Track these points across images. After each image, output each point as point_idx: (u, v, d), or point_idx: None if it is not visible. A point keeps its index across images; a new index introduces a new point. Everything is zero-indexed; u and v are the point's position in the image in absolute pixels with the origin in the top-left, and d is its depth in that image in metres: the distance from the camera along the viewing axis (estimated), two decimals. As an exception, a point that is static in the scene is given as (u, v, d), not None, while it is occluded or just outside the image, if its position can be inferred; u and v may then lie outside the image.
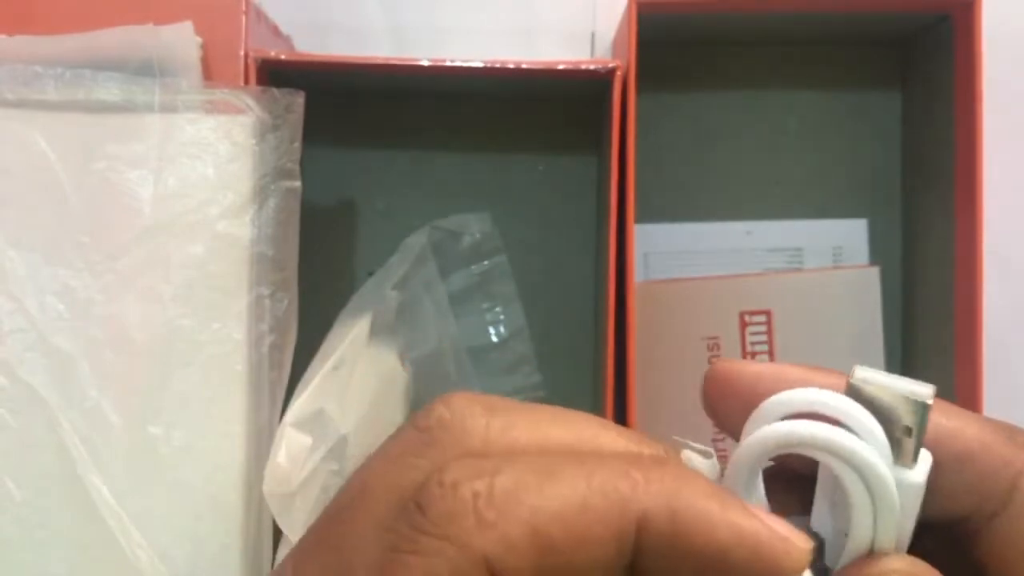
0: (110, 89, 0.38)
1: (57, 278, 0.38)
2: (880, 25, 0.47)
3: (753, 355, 0.48)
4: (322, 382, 0.40)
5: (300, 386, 0.40)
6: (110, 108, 0.38)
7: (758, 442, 0.19)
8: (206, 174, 0.38)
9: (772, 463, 0.20)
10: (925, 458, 0.19)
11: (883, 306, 0.49)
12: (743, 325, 0.48)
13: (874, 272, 0.49)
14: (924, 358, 0.47)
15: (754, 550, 0.17)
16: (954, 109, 0.43)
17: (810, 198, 0.50)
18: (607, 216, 0.41)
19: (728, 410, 0.20)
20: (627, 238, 0.41)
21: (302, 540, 0.19)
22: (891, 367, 0.49)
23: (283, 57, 0.41)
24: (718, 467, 0.20)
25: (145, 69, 0.39)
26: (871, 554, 0.19)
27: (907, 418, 0.18)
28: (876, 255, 0.50)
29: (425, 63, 0.41)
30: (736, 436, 0.20)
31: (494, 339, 0.49)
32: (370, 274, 0.47)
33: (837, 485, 0.19)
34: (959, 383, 0.42)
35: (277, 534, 0.38)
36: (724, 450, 0.43)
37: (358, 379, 0.41)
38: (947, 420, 0.20)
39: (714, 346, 0.48)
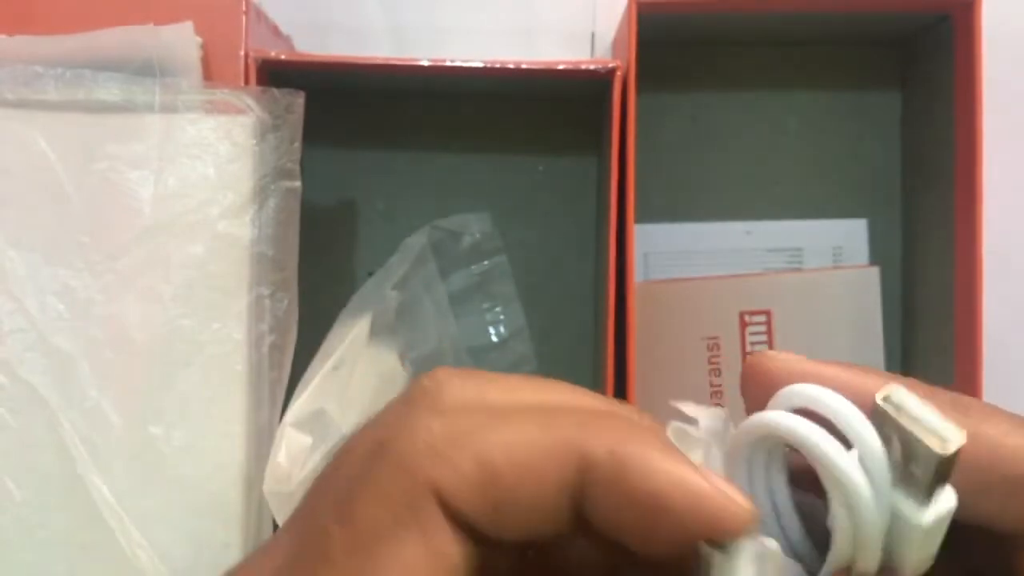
0: (110, 89, 0.38)
1: (57, 278, 0.38)
2: (880, 25, 0.47)
3: (753, 355, 0.48)
4: (322, 382, 0.40)
5: (300, 386, 0.40)
6: (110, 108, 0.38)
7: (748, 428, 0.18)
8: (206, 174, 0.38)
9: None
10: (946, 498, 0.17)
11: (883, 306, 0.49)
12: (743, 325, 0.48)
13: (874, 272, 0.49)
14: (924, 358, 0.47)
15: (694, 500, 0.17)
16: (954, 109, 0.43)
17: (810, 198, 0.50)
18: (607, 216, 0.41)
19: (754, 398, 0.20)
20: (627, 238, 0.41)
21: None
22: (891, 367, 0.49)
23: (283, 57, 0.41)
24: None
25: (145, 69, 0.39)
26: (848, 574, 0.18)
27: (921, 460, 0.16)
28: (876, 255, 0.50)
29: (425, 63, 0.41)
30: None
31: (494, 339, 0.49)
32: (370, 274, 0.47)
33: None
34: (959, 383, 0.42)
35: (277, 534, 0.38)
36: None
37: (358, 379, 0.41)
38: (1010, 439, 0.18)
39: (714, 346, 0.48)
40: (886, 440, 0.17)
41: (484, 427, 0.18)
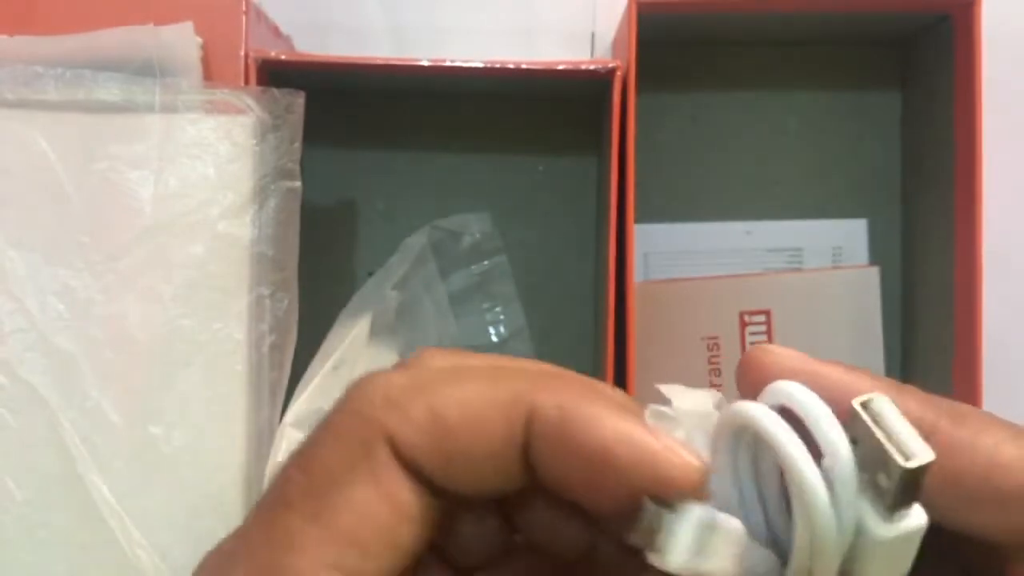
0: (110, 89, 0.38)
1: (57, 278, 0.38)
2: (880, 25, 0.47)
3: (753, 355, 0.48)
4: (322, 382, 0.40)
5: (300, 386, 0.40)
6: (110, 108, 0.38)
7: (728, 416, 0.18)
8: (206, 174, 0.38)
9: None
10: (915, 516, 0.17)
11: (883, 306, 0.49)
12: (743, 325, 0.48)
13: (874, 272, 0.49)
14: (924, 358, 0.47)
15: (639, 454, 0.17)
16: (954, 109, 0.43)
17: (810, 198, 0.50)
18: (607, 216, 0.41)
19: (746, 392, 0.20)
20: (627, 238, 0.41)
21: None
22: (891, 367, 0.49)
23: (283, 57, 0.41)
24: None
25: (145, 69, 0.39)
26: None
27: (890, 472, 0.16)
28: (876, 255, 0.50)
29: (425, 63, 0.41)
30: None
31: (494, 339, 0.49)
32: (370, 274, 0.47)
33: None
34: (959, 383, 0.42)
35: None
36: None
37: (358, 379, 0.41)
38: (1005, 451, 0.18)
39: (714, 346, 0.48)
40: (859, 447, 0.17)
41: (440, 381, 0.18)
